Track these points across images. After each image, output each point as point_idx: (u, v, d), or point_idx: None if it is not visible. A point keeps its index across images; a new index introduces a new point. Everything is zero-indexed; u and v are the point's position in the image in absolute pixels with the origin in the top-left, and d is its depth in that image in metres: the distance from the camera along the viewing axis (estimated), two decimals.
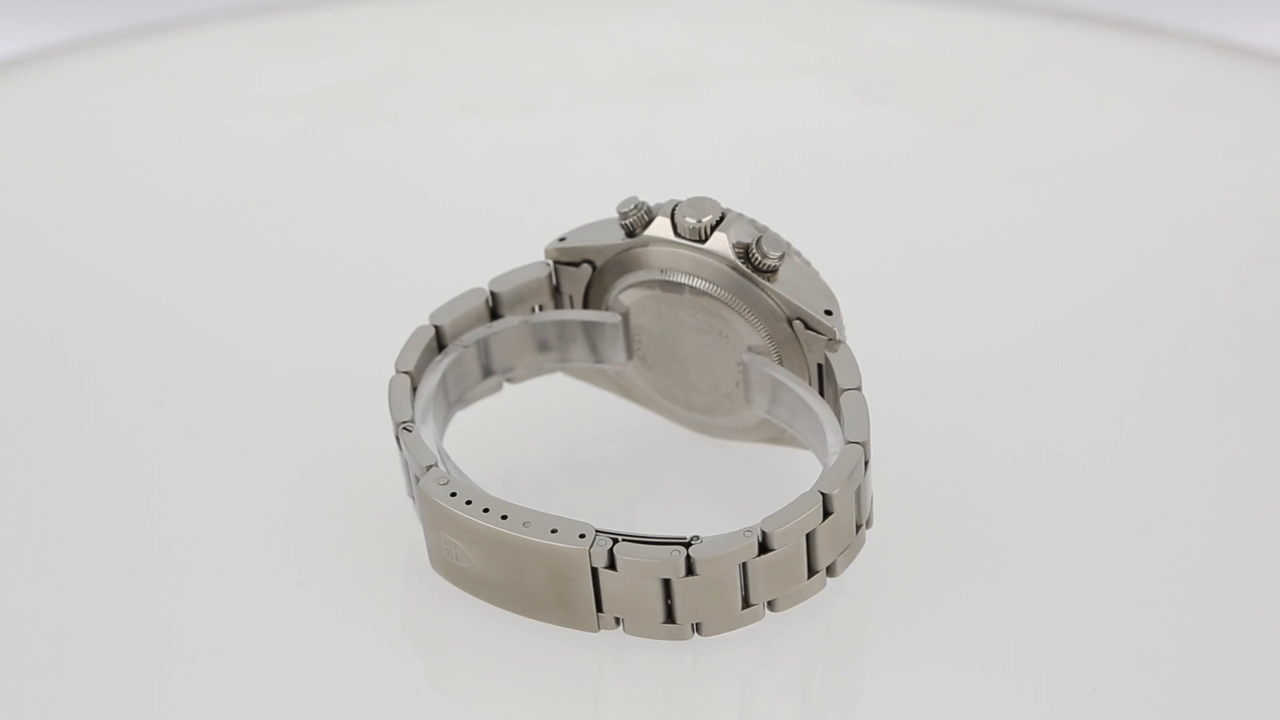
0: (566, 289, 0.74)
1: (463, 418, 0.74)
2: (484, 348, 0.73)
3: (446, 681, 0.71)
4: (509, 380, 0.75)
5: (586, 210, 0.75)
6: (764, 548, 0.66)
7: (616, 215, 0.73)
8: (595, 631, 0.68)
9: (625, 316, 0.73)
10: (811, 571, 0.68)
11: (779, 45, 1.00)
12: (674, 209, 0.72)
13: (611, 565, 0.66)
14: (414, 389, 0.71)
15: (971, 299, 0.84)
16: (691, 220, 0.71)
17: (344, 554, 0.72)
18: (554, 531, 0.66)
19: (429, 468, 0.68)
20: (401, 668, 0.69)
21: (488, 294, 0.73)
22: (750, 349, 0.71)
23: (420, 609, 0.71)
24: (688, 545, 0.66)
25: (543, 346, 0.74)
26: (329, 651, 0.69)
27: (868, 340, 0.73)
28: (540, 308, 0.74)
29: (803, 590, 0.68)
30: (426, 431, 0.70)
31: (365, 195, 0.91)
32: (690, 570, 0.66)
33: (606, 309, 0.74)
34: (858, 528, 0.69)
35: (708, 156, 0.93)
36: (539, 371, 0.75)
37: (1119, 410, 0.78)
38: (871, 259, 0.86)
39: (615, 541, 0.66)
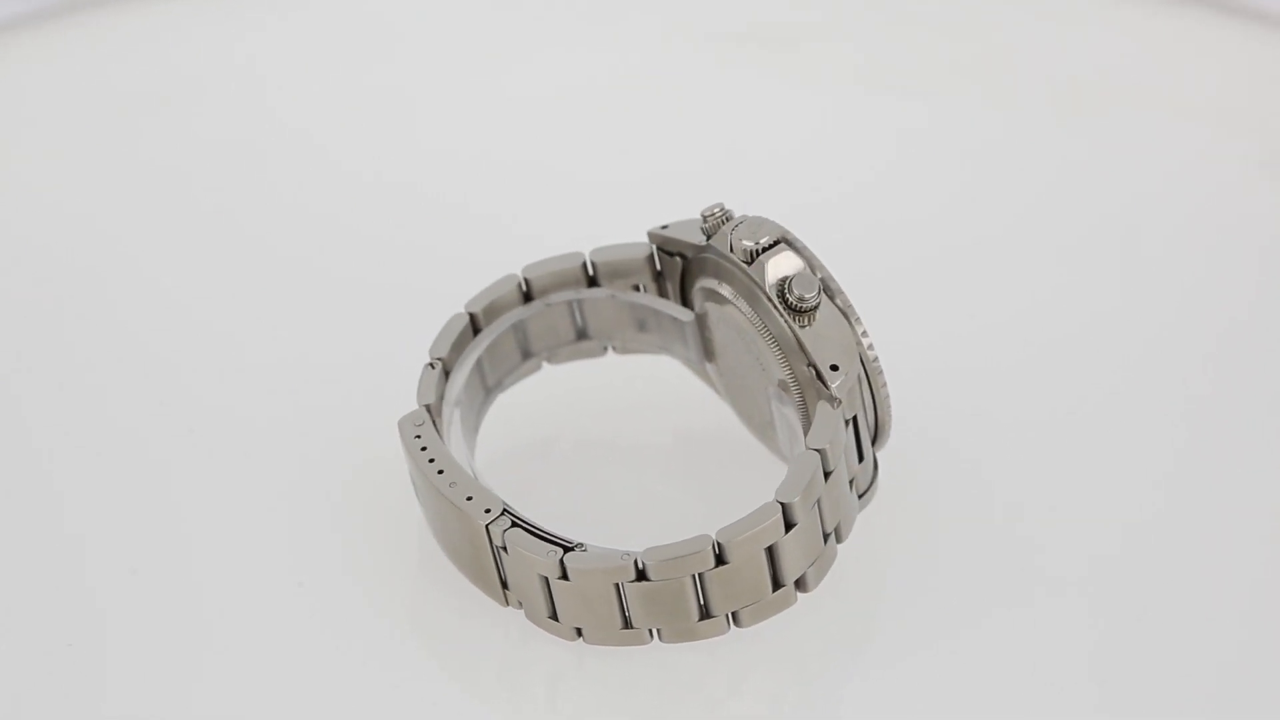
0: (669, 276, 0.75)
1: (580, 380, 0.77)
2: (576, 310, 0.75)
3: (453, 679, 0.72)
4: (614, 350, 0.77)
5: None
6: (642, 575, 0.67)
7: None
8: (505, 606, 0.70)
9: (700, 318, 0.73)
10: (706, 614, 0.68)
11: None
12: (736, 225, 0.71)
13: (505, 547, 0.68)
14: (475, 331, 0.74)
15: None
16: (748, 243, 0.70)
17: (350, 554, 0.74)
18: (469, 499, 0.68)
19: (426, 407, 0.72)
20: (406, 667, 0.71)
21: (586, 260, 0.74)
22: (779, 383, 0.71)
23: (427, 607, 0.73)
24: (568, 550, 0.67)
25: (641, 326, 0.75)
26: (332, 651, 0.71)
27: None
28: (643, 288, 0.75)
29: (694, 629, 0.68)
30: (468, 373, 0.73)
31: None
32: (564, 575, 0.67)
33: (691, 306, 0.74)
34: (777, 586, 0.68)
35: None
36: (641, 350, 0.76)
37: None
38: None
39: (512, 526, 0.68)
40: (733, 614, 0.68)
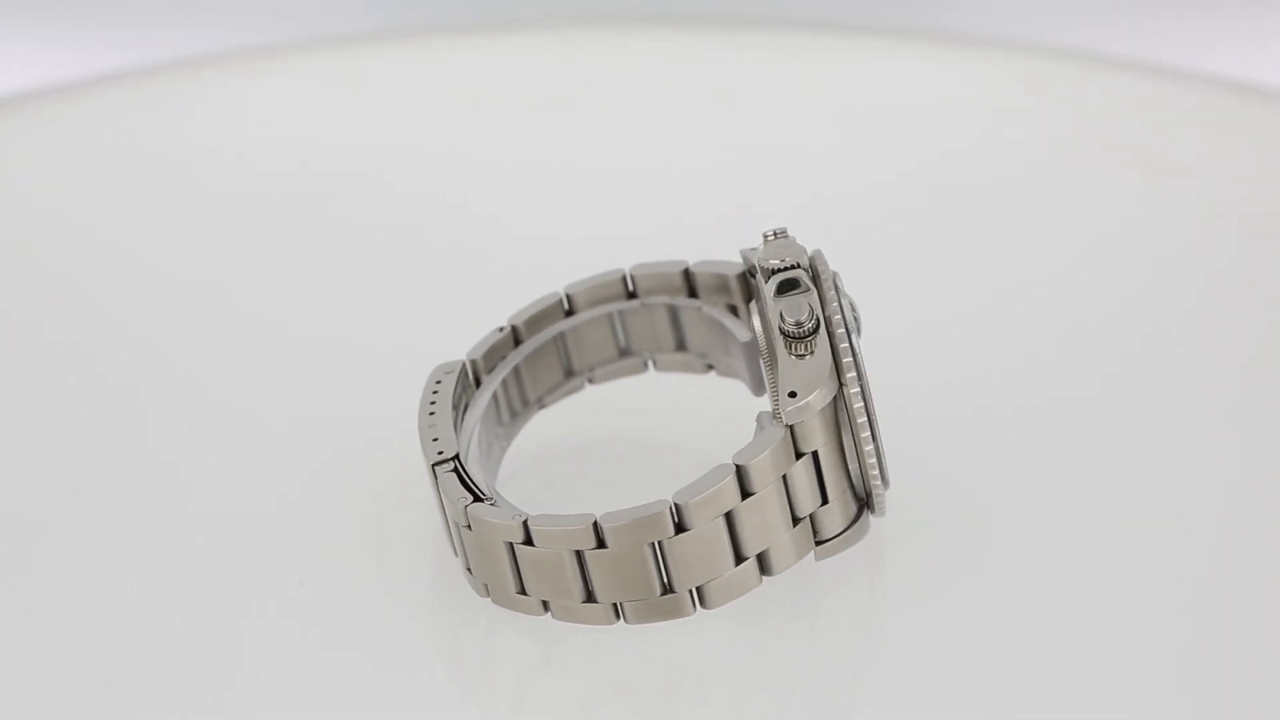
0: (755, 298, 0.74)
1: (679, 391, 0.77)
2: (674, 319, 0.74)
3: (460, 686, 0.72)
4: (715, 371, 0.76)
5: None
6: (528, 540, 0.67)
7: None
8: (457, 556, 0.72)
9: (753, 342, 0.73)
10: (590, 599, 0.67)
11: None
12: (770, 245, 0.70)
13: (440, 490, 0.70)
14: (568, 313, 0.75)
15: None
16: (774, 261, 0.69)
17: (354, 555, 0.73)
18: (434, 440, 0.70)
19: (471, 362, 0.73)
20: (416, 671, 0.71)
21: (687, 268, 0.74)
22: (772, 412, 0.69)
23: (432, 611, 0.73)
24: (478, 499, 0.68)
25: (727, 349, 0.74)
26: (340, 654, 0.70)
27: None
28: (738, 310, 0.74)
29: (577, 611, 0.67)
30: (540, 344, 0.74)
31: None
32: (468, 524, 0.68)
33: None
34: (667, 590, 0.66)
35: None
36: (733, 375, 0.75)
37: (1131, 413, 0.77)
38: None
39: (451, 470, 0.69)
40: (619, 606, 0.66)
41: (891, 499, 0.69)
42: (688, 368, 0.76)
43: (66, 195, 0.94)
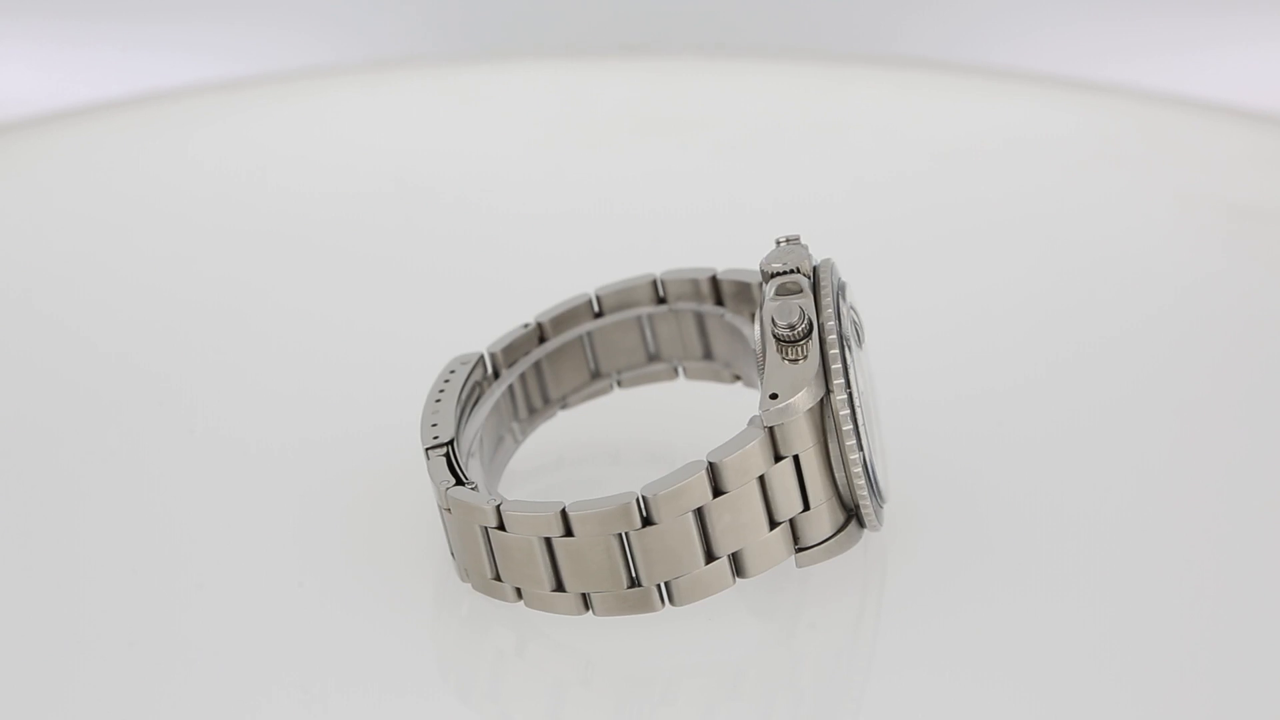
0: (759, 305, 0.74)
1: (723, 403, 0.75)
2: (700, 326, 0.74)
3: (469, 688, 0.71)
4: (743, 383, 0.75)
5: None
6: (501, 526, 0.67)
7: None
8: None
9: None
10: (559, 588, 0.67)
11: None
12: (776, 250, 0.70)
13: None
14: (597, 314, 0.75)
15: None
16: (776, 265, 0.69)
17: (366, 556, 0.73)
18: (433, 425, 0.71)
19: (491, 355, 0.74)
20: (420, 673, 0.70)
21: (714, 275, 0.73)
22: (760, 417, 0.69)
23: (443, 614, 0.72)
24: (459, 483, 0.68)
25: (745, 359, 0.74)
26: (343, 656, 0.69)
27: None
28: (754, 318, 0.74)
29: (548, 600, 0.67)
30: (566, 342, 0.74)
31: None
32: (448, 506, 0.68)
33: None
34: (634, 583, 0.66)
35: None
36: (754, 385, 0.74)
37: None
38: None
39: (442, 455, 0.69)
40: (588, 596, 0.66)
41: (891, 505, 0.68)
42: (715, 376, 0.75)
43: (90, 209, 0.96)
